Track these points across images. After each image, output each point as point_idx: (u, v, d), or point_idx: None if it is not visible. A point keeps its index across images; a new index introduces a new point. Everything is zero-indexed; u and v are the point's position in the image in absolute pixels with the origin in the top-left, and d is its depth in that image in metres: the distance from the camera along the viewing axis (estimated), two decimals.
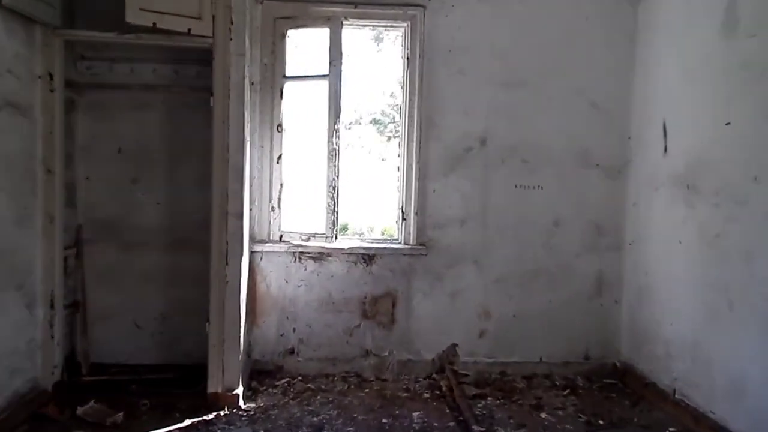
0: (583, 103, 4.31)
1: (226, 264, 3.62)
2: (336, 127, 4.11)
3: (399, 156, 4.39)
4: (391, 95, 15.73)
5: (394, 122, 16.12)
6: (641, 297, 4.12)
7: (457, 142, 4.28)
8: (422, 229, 4.29)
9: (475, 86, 4.26)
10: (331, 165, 4.12)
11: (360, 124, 17.46)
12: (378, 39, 14.36)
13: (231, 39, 3.56)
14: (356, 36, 13.94)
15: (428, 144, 4.25)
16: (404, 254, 4.27)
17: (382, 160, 18.44)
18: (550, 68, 4.28)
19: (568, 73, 4.29)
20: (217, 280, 3.64)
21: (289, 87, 4.32)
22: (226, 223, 3.62)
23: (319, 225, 4.29)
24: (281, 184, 4.27)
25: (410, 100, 4.23)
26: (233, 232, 3.64)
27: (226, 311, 3.63)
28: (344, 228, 17.35)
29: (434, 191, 4.28)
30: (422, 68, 4.21)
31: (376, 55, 15.75)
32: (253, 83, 4.15)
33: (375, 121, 16.79)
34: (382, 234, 16.30)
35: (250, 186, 4.16)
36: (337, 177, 4.15)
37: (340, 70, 4.08)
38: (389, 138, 16.86)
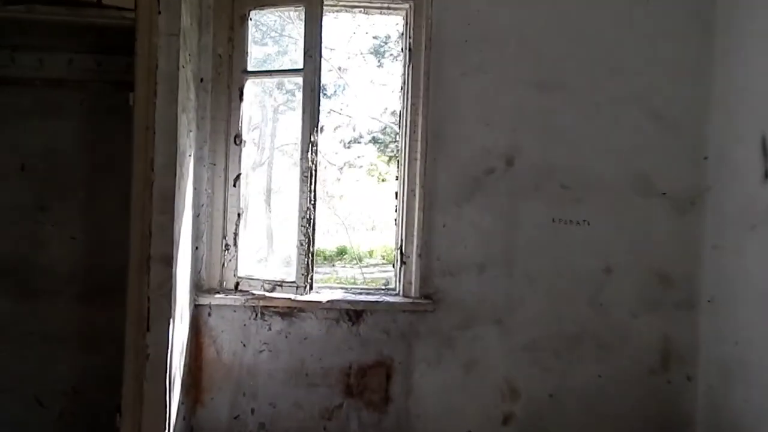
0: (641, 112, 3.22)
1: (147, 330, 2.51)
2: (312, 139, 3.01)
3: (397, 179, 3.30)
4: (392, 113, 14.74)
5: (396, 141, 15.14)
6: (728, 374, 2.97)
7: (475, 161, 3.18)
8: (427, 277, 3.18)
9: (499, 88, 3.18)
10: (305, 189, 3.02)
11: (360, 143, 16.47)
12: (378, 53, 13.38)
13: (159, 12, 2.49)
14: (354, 49, 12.98)
15: (436, 163, 3.16)
16: (403, 310, 3.15)
17: (382, 180, 17.41)
18: (597, 66, 3.20)
19: (622, 73, 3.21)
20: (133, 352, 2.52)
21: (252, 86, 3.25)
22: (147, 271, 2.52)
23: (290, 270, 3.18)
24: (239, 215, 3.17)
25: (412, 105, 3.15)
26: (159, 283, 2.53)
27: (146, 397, 2.51)
28: (342, 251, 16.26)
29: (444, 226, 3.18)
30: (428, 64, 3.13)
31: (377, 70, 14.81)
32: (202, 80, 3.07)
33: (375, 140, 15.78)
34: (383, 259, 15.11)
35: (196, 217, 3.06)
36: (313, 206, 3.05)
37: (319, 64, 3.00)
38: (390, 158, 15.84)
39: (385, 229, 20.09)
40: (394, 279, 3.32)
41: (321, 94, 3.03)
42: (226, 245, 3.16)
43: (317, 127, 3.02)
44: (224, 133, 3.14)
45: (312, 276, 3.08)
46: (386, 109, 15.69)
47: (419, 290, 3.16)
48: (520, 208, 3.19)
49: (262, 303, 3.09)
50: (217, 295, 3.09)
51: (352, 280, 10.33)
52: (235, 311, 3.12)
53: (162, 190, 2.52)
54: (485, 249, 3.19)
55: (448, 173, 3.17)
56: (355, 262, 14.45)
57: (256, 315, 3.13)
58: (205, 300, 3.07)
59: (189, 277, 2.94)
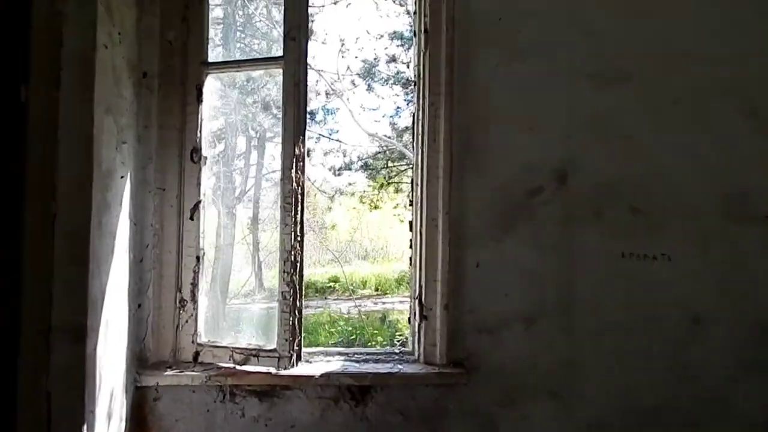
0: (734, 112, 2.41)
1: None
2: (297, 152, 2.17)
3: (412, 204, 2.45)
4: (385, 137, 13.99)
5: (387, 167, 14.33)
6: None
7: (517, 179, 2.35)
8: (457, 336, 2.31)
9: (545, 82, 2.36)
10: (289, 222, 2.16)
11: (351, 169, 15.68)
12: (369, 74, 12.66)
13: None
14: (343, 70, 12.23)
15: (465, 183, 2.32)
16: (426, 383, 2.27)
17: (375, 208, 16.57)
18: (673, 52, 2.41)
19: (707, 61, 2.41)
20: None
21: (214, 83, 2.42)
22: (47, 350, 1.64)
23: (267, 334, 2.30)
24: (198, 257, 2.30)
25: (431, 106, 2.31)
26: (65, 367, 1.66)
27: None
28: (334, 280, 15.32)
29: (478, 266, 2.32)
30: (452, 50, 2.31)
31: (365, 95, 14.10)
32: (145, 74, 2.22)
33: (366, 166, 15.00)
34: (377, 290, 14.15)
35: (138, 263, 2.18)
36: (300, 244, 2.19)
37: (305, 49, 2.18)
38: (382, 185, 15.03)
39: (378, 258, 19.20)
40: (411, 340, 2.45)
41: (307, 99, 2.19)
42: (182, 301, 2.27)
43: (303, 137, 2.18)
44: (177, 147, 2.28)
45: (300, 341, 2.21)
46: (376, 133, 14.95)
47: (446, 354, 2.29)
48: (578, 240, 2.35)
49: (231, 380, 2.20)
50: (169, 371, 2.20)
51: (346, 318, 9.38)
52: (194, 392, 2.22)
53: (70, 228, 1.65)
54: (533, 296, 2.33)
55: (482, 196, 2.33)
56: (348, 293, 13.54)
57: (224, 396, 2.23)
58: (150, 379, 2.17)
59: (125, 348, 2.06)
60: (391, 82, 12.41)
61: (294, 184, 2.16)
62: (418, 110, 2.36)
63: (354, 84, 12.89)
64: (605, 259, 2.35)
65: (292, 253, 2.16)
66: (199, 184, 2.28)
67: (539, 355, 2.33)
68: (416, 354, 2.37)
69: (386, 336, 8.10)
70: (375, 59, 12.42)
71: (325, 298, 12.12)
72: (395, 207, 16.39)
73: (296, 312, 2.18)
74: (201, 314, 2.28)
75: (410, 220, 2.42)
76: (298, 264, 2.18)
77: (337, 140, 13.58)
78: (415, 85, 2.40)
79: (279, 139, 2.18)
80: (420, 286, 2.33)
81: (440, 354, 2.29)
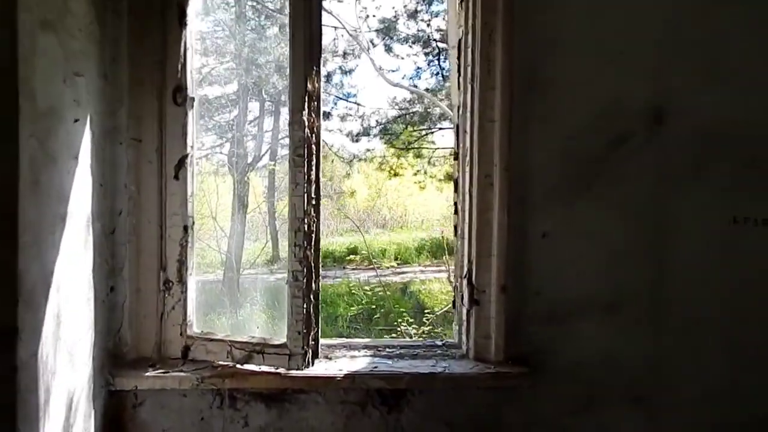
0: None
1: None
2: (310, 87, 1.63)
3: (456, 158, 1.91)
4: (404, 100, 13.33)
5: (408, 128, 13.68)
6: None
7: (595, 123, 1.79)
8: (519, 326, 1.79)
9: None
10: (300, 180, 1.64)
11: (369, 135, 15.10)
12: (387, 33, 11.91)
13: None
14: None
15: (528, 129, 1.77)
16: (478, 386, 1.77)
17: (395, 175, 16.03)
18: None
19: None
20: None
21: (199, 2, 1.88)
22: None
23: (276, 324, 1.81)
24: (186, 227, 1.80)
25: (483, 25, 1.74)
26: None
27: None
28: (352, 250, 14.89)
29: (545, 237, 1.79)
30: None
31: (384, 56, 13.38)
32: None
33: (385, 131, 14.36)
34: (396, 260, 13.68)
35: (108, 235, 1.68)
36: (316, 209, 1.67)
37: None
38: (403, 149, 14.42)
39: (395, 227, 18.70)
40: (457, 330, 1.94)
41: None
42: (166, 282, 1.78)
43: (317, 68, 1.64)
44: (156, 86, 1.75)
45: (317, 334, 1.71)
46: (395, 98, 14.29)
47: (503, 349, 1.77)
48: (675, 203, 1.80)
49: (230, 382, 1.72)
50: (151, 371, 1.72)
51: (368, 288, 8.93)
52: (184, 396, 1.75)
53: None
54: (616, 276, 1.80)
55: (550, 146, 1.78)
56: (367, 263, 13.10)
57: (222, 401, 1.76)
58: (128, 381, 1.70)
59: (91, 345, 1.58)
60: (410, 41, 11.66)
61: (306, 130, 1.63)
62: (466, 33, 1.79)
63: (372, 43, 12.17)
64: (710, 226, 1.80)
65: (305, 221, 1.64)
66: (185, 133, 1.76)
67: (623, 350, 1.80)
68: (464, 348, 1.86)
69: (408, 307, 7.65)
70: (394, 17, 11.65)
71: (344, 268, 11.69)
72: (415, 174, 15.80)
73: (311, 297, 1.67)
74: (191, 299, 1.79)
75: (455, 177, 1.88)
76: (313, 236, 1.67)
77: (356, 103, 12.94)
78: (460, 2, 1.83)
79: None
80: (469, 262, 1.80)
81: (496, 349, 1.77)
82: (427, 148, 15.17)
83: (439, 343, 1.96)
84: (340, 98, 12.78)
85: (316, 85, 1.63)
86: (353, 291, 9.44)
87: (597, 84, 1.77)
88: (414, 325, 4.50)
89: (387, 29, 11.40)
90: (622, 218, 1.79)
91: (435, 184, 16.43)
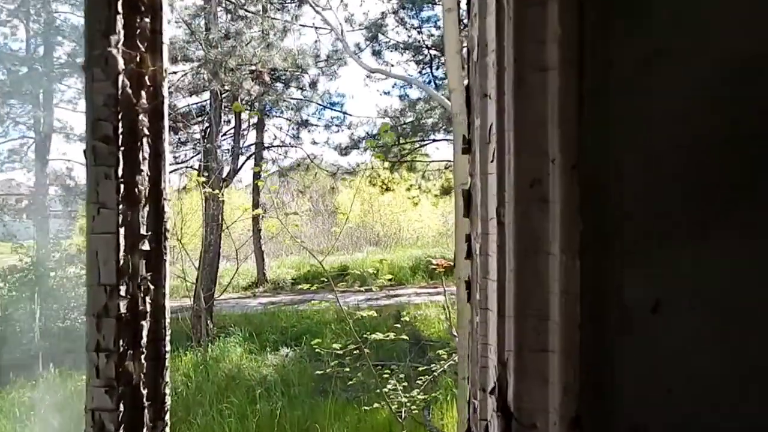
0: None
1: None
2: None
3: (469, 154, 0.97)
4: (391, 117, 12.49)
5: (399, 144, 12.78)
6: None
7: (730, 87, 0.87)
8: None
9: None
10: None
11: (358, 148, 14.24)
12: (375, 38, 11.07)
13: None
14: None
15: (614, 89, 0.85)
16: None
17: (386, 190, 15.16)
18: None
19: None
20: None
21: None
22: None
23: None
24: None
25: None
26: None
27: None
28: (343, 268, 13.91)
29: (656, 310, 0.85)
30: None
31: (373, 63, 12.53)
32: None
33: (375, 145, 13.46)
34: (390, 281, 12.68)
35: None
36: None
37: None
38: (393, 164, 13.55)
39: (389, 244, 17.78)
40: None
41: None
42: None
43: None
44: None
45: None
46: (385, 110, 13.47)
47: None
48: None
49: None
50: None
51: (357, 315, 7.91)
52: None
53: None
54: None
55: (658, 127, 0.85)
56: (359, 284, 12.13)
57: None
58: None
59: None
60: (401, 47, 10.82)
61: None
62: None
63: (359, 48, 11.30)
64: None
65: None
66: None
67: None
68: None
69: (401, 341, 6.67)
70: (382, 23, 10.82)
71: (332, 290, 10.73)
72: (408, 189, 14.90)
73: None
74: None
75: (465, 187, 0.94)
76: None
77: (343, 112, 12.06)
78: None
79: None
80: (501, 363, 0.85)
81: None
82: (420, 161, 14.31)
83: None
84: (325, 107, 11.91)
85: None
86: (341, 318, 8.47)
87: (722, 35, 0.85)
88: (404, 393, 3.55)
89: (374, 35, 10.56)
90: None
91: (430, 199, 15.58)
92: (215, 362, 6.41)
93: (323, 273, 12.69)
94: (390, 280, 10.37)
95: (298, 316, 8.57)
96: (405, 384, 3.82)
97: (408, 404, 3.62)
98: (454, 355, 3.86)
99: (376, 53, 10.99)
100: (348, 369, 3.78)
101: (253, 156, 11.41)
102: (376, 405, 4.76)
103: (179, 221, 8.34)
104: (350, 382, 4.07)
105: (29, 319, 6.94)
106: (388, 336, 3.92)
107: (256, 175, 10.34)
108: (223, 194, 7.50)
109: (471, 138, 0.90)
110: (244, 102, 10.20)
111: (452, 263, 3.12)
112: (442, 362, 5.39)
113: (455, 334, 2.27)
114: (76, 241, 8.72)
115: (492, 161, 0.82)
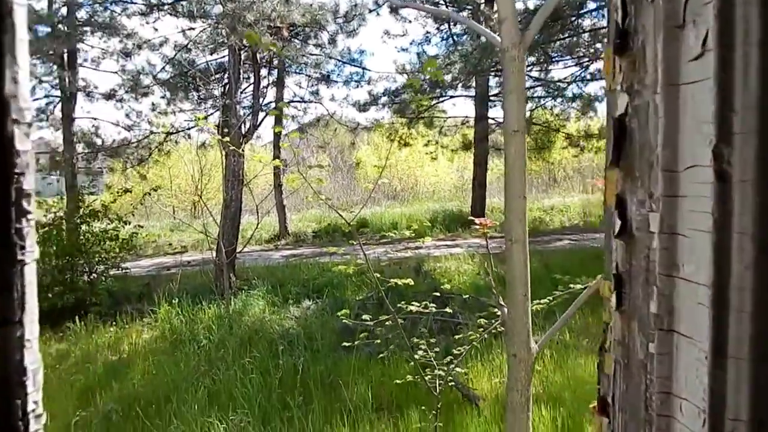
0: None
1: None
2: None
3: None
4: (409, 72, 11.98)
5: (419, 97, 12.30)
6: None
7: None
8: None
9: None
10: None
11: (377, 104, 13.77)
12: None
13: None
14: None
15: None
16: None
17: (405, 145, 14.77)
18: None
19: None
20: None
21: None
22: None
23: None
24: None
25: None
26: None
27: None
28: (363, 224, 13.73)
29: None
30: None
31: (395, 24, 11.98)
32: None
33: (393, 101, 12.96)
34: (408, 232, 12.39)
35: None
36: None
37: None
38: (411, 120, 13.12)
39: (407, 198, 17.52)
40: None
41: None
42: None
43: None
44: None
45: None
46: (404, 64, 12.94)
47: None
48: None
49: None
50: None
51: (377, 267, 7.73)
52: None
53: None
54: None
55: None
56: (378, 236, 11.94)
57: None
58: None
59: None
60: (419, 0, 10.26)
61: None
62: None
63: (377, 3, 10.78)
64: None
65: None
66: None
67: None
68: None
69: (422, 289, 6.50)
70: None
71: (352, 244, 10.57)
72: (426, 144, 14.49)
73: None
74: None
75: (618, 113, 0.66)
76: None
77: (363, 67, 11.60)
78: None
79: None
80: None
81: None
82: (438, 117, 13.84)
83: None
84: (345, 62, 11.46)
85: None
86: (362, 270, 8.31)
87: None
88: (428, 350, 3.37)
89: None
90: None
91: (446, 155, 15.17)
92: (238, 315, 6.29)
93: (341, 226, 12.51)
94: (408, 228, 10.14)
95: (319, 269, 8.42)
96: (429, 339, 3.63)
97: (435, 364, 3.42)
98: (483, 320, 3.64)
99: (394, 11, 10.48)
100: (370, 321, 3.61)
101: (274, 106, 11.06)
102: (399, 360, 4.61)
103: (201, 177, 8.16)
104: (375, 339, 3.86)
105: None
106: (409, 283, 3.75)
107: (277, 121, 10.00)
108: (243, 149, 7.24)
109: (630, 26, 0.60)
110: (263, 59, 9.81)
111: (490, 222, 2.85)
112: (468, 323, 5.22)
113: (503, 303, 2.00)
114: (102, 198, 8.63)
115: (700, 56, 0.52)
